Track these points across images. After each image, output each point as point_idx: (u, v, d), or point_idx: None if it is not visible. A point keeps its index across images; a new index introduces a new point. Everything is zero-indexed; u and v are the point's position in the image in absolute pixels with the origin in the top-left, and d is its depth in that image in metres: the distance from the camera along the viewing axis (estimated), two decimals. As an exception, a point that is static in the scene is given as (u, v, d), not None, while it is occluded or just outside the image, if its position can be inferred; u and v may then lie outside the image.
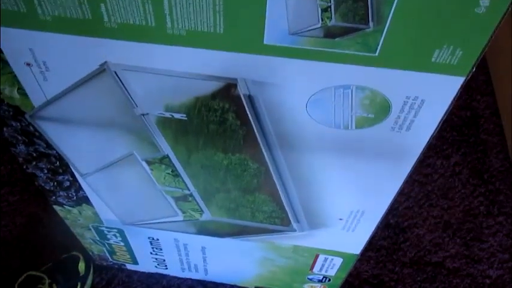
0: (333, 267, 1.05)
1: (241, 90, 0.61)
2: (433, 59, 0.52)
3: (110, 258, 1.27)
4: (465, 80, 0.54)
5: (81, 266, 1.27)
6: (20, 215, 1.40)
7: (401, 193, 1.36)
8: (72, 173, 0.87)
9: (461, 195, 1.45)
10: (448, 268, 1.36)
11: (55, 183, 0.92)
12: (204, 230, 0.99)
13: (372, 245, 1.35)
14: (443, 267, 1.36)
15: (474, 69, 0.52)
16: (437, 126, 0.61)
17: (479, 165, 1.49)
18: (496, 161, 1.50)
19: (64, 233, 1.17)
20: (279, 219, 0.88)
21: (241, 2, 0.51)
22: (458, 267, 1.36)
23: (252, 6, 0.51)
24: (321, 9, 0.50)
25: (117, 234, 1.10)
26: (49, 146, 0.81)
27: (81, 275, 1.27)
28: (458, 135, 1.54)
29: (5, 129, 0.78)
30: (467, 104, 1.60)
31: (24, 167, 0.88)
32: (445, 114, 0.59)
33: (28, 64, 0.64)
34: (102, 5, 0.54)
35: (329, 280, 1.12)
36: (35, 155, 0.84)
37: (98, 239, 1.15)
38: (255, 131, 0.67)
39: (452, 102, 0.57)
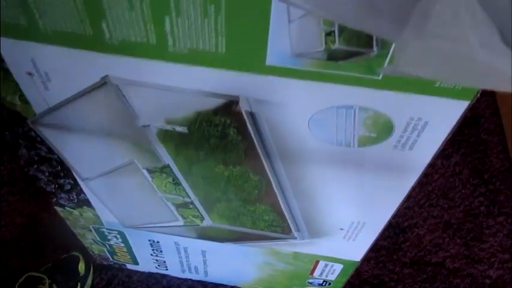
0: (333, 273, 1.05)
1: (243, 107, 0.61)
2: (437, 83, 0.52)
3: (110, 258, 1.27)
4: (470, 103, 0.53)
5: (81, 266, 1.27)
6: (20, 215, 1.40)
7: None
8: (74, 176, 0.87)
9: (461, 195, 1.45)
10: (448, 268, 1.36)
11: (56, 185, 0.92)
12: (205, 235, 0.99)
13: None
14: (443, 267, 1.36)
15: (479, 94, 0.51)
16: (441, 145, 0.61)
17: (480, 165, 1.49)
18: (496, 161, 1.49)
19: (64, 233, 1.17)
20: (279, 227, 0.87)
21: (243, 23, 0.50)
22: (459, 267, 1.36)
23: (254, 27, 0.50)
24: (325, 33, 0.49)
25: (118, 236, 1.10)
26: (50, 150, 0.80)
27: (81, 275, 1.27)
28: (459, 135, 1.54)
29: (7, 133, 0.78)
30: (468, 104, 1.59)
31: (26, 169, 0.87)
32: (449, 135, 0.59)
33: (30, 74, 0.63)
34: (103, 22, 0.53)
35: (329, 284, 1.12)
36: (36, 158, 0.84)
37: (99, 239, 1.14)
38: (256, 145, 0.67)
39: (456, 124, 0.57)
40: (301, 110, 0.60)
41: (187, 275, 1.30)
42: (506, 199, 1.44)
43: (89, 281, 1.30)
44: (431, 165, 1.45)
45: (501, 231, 1.40)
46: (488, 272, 1.36)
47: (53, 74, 0.63)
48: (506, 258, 1.37)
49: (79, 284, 1.27)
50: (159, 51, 0.55)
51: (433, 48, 0.32)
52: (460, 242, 1.39)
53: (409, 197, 1.39)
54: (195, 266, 1.21)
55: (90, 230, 1.10)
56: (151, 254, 1.18)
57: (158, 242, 1.10)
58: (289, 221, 0.84)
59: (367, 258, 1.35)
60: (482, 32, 0.31)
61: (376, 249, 1.37)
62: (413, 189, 1.41)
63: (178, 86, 0.60)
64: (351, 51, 0.50)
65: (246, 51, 0.53)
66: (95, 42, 0.56)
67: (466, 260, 1.37)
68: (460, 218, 1.42)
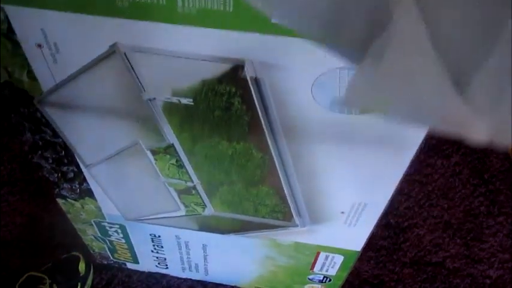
0: (333, 266, 1.05)
1: (248, 73, 0.62)
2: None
3: (110, 256, 1.27)
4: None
5: (82, 266, 1.27)
6: (20, 215, 1.40)
7: (401, 193, 1.37)
8: (77, 164, 0.88)
9: (461, 195, 1.45)
10: (448, 268, 1.36)
11: (59, 174, 0.92)
12: (206, 225, 1.00)
13: (372, 245, 1.35)
14: (443, 267, 1.36)
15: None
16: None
17: (480, 165, 1.50)
18: (496, 161, 1.50)
19: (64, 233, 1.17)
20: (281, 213, 0.88)
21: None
22: (459, 267, 1.36)
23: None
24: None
25: (119, 231, 1.10)
26: (55, 134, 0.81)
27: (81, 275, 1.27)
28: (459, 136, 1.54)
29: (12, 115, 0.78)
30: (467, 105, 1.60)
31: (30, 156, 0.88)
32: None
33: (39, 45, 0.64)
34: None
35: (329, 280, 1.12)
36: (40, 143, 0.84)
37: (100, 235, 1.15)
38: (260, 117, 0.68)
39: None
40: (304, 73, 0.61)
41: (187, 274, 1.30)
42: (506, 199, 1.44)
43: (89, 281, 1.30)
44: (431, 165, 1.47)
45: (501, 231, 1.40)
46: (488, 272, 1.36)
47: (62, 44, 0.64)
48: (506, 258, 1.37)
49: (79, 283, 1.27)
50: (168, 12, 0.56)
51: (384, 86, 0.33)
52: (460, 242, 1.39)
53: (409, 197, 1.42)
54: (195, 264, 1.21)
55: (91, 225, 1.10)
56: (152, 251, 1.18)
57: (159, 236, 1.10)
58: (291, 204, 0.85)
59: (367, 258, 1.36)
60: (432, 73, 0.31)
61: (376, 249, 1.37)
62: (413, 189, 1.42)
63: (186, 50, 0.61)
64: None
65: (252, 9, 0.54)
66: (106, 6, 0.57)
67: (466, 260, 1.37)
68: (460, 218, 1.42)
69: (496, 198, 1.45)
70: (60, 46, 0.64)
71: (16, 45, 0.65)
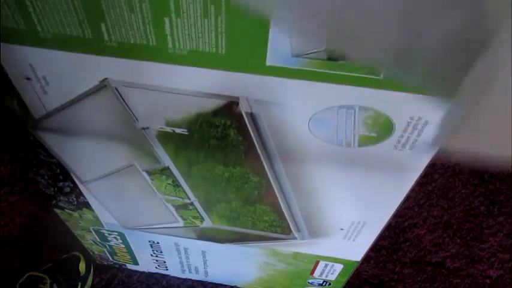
0: (333, 273, 1.05)
1: (243, 108, 0.61)
2: (437, 84, 0.52)
3: (110, 258, 1.27)
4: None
5: (82, 266, 1.27)
6: (20, 215, 1.40)
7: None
8: (73, 179, 0.87)
9: (461, 195, 1.44)
10: (449, 268, 1.36)
11: (55, 188, 0.92)
12: (205, 236, 0.99)
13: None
14: (443, 267, 1.36)
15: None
16: (442, 145, 0.61)
17: (480, 165, 1.49)
18: (496, 161, 1.49)
19: (64, 233, 1.17)
20: (279, 228, 0.87)
21: (244, 24, 0.50)
22: (459, 267, 1.36)
23: (255, 28, 0.50)
24: (325, 34, 0.49)
25: (118, 237, 1.10)
26: (49, 154, 0.80)
27: (81, 275, 1.27)
28: (459, 135, 1.53)
29: (6, 137, 0.77)
30: (468, 103, 1.59)
31: (25, 172, 0.87)
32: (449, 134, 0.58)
33: (28, 78, 0.63)
34: (103, 24, 0.53)
35: (329, 284, 1.12)
36: (35, 162, 0.84)
37: (99, 240, 1.14)
38: (257, 146, 0.67)
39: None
40: (301, 110, 0.59)
41: (187, 275, 1.30)
42: (506, 199, 1.44)
43: (89, 281, 1.30)
44: (431, 165, 1.46)
45: (501, 231, 1.40)
46: (488, 272, 1.36)
47: (51, 78, 0.63)
48: (506, 258, 1.37)
49: (79, 283, 1.27)
50: (158, 52, 0.55)
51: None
52: (460, 242, 1.39)
53: (409, 197, 1.40)
54: (195, 267, 1.21)
55: (90, 231, 1.10)
56: (151, 255, 1.18)
57: (158, 242, 1.09)
58: (289, 222, 0.84)
59: (367, 258, 1.35)
60: None
61: (376, 249, 1.37)
62: (413, 189, 1.41)
63: (178, 87, 0.60)
64: (351, 52, 0.50)
65: (246, 51, 0.53)
66: (94, 45, 0.56)
67: (466, 260, 1.37)
68: (460, 218, 1.42)
69: (496, 198, 1.44)
70: (49, 79, 0.63)
71: (5, 76, 0.64)
